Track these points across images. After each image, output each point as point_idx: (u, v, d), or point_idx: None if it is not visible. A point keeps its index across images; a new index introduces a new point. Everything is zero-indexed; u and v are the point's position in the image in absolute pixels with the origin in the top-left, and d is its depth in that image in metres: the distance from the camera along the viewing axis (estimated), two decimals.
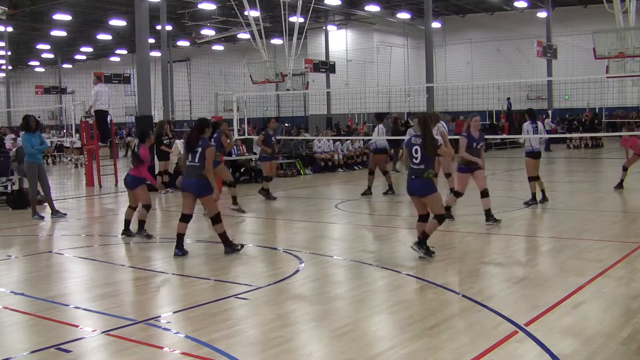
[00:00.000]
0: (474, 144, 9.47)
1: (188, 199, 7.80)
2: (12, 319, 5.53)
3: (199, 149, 7.65)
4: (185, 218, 7.80)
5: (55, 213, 11.49)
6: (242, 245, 7.97)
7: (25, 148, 11.39)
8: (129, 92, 40.89)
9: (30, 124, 11.44)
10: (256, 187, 13.87)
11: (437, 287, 6.17)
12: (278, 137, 21.12)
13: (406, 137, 15.74)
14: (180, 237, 7.82)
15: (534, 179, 11.37)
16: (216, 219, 7.76)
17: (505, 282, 6.35)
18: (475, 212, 11.14)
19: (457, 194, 9.72)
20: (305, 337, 5.04)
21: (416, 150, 7.18)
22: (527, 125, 11.59)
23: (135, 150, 9.35)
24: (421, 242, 7.17)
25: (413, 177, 7.19)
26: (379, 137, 13.72)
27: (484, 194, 9.51)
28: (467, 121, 9.76)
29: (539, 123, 12.30)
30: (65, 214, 11.62)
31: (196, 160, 7.67)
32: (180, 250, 7.81)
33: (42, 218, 11.37)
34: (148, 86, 17.11)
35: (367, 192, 13.62)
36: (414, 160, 7.19)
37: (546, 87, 35.51)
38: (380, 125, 13.90)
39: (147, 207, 9.24)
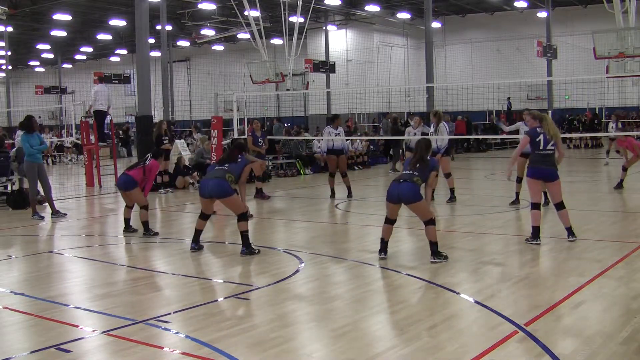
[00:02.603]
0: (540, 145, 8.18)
1: (207, 201, 7.94)
2: (12, 319, 5.53)
3: (239, 162, 8.06)
4: (204, 216, 8.05)
5: (56, 213, 11.49)
6: (259, 250, 7.93)
7: (25, 148, 11.39)
8: (129, 92, 40.87)
9: (32, 125, 11.46)
10: (254, 187, 13.85)
11: (437, 287, 6.17)
12: (278, 138, 21.22)
13: (407, 136, 15.73)
14: (197, 233, 8.09)
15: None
16: (242, 217, 7.81)
17: (505, 282, 6.35)
18: (475, 212, 11.15)
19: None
20: (305, 337, 5.04)
21: None
22: (522, 124, 11.27)
23: (147, 162, 9.40)
24: (436, 252, 7.19)
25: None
26: (332, 138, 13.28)
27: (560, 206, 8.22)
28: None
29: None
30: (65, 214, 11.62)
31: (226, 166, 7.94)
32: (197, 245, 8.10)
33: (42, 218, 11.37)
34: (148, 86, 17.12)
35: (350, 194, 13.43)
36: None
37: (546, 87, 35.49)
38: (328, 127, 13.44)
39: (145, 207, 9.28)
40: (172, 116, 37.75)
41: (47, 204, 11.86)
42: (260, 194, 13.57)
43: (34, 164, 11.40)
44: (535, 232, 8.14)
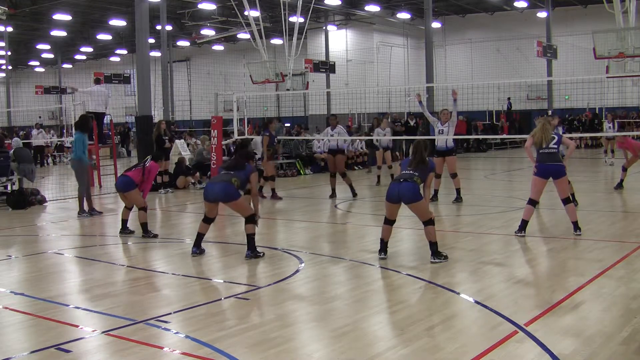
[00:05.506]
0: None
1: (212, 205, 7.82)
2: (12, 319, 5.53)
3: (245, 172, 7.85)
4: (208, 220, 7.90)
5: (87, 212, 11.53)
6: (264, 253, 7.85)
7: (79, 148, 11.46)
8: (129, 92, 40.88)
9: (89, 125, 11.80)
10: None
11: (437, 287, 6.17)
12: (278, 137, 21.22)
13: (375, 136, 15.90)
14: (200, 236, 7.93)
15: None
16: (250, 219, 7.70)
17: (505, 282, 6.35)
18: (475, 212, 11.15)
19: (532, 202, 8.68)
20: (305, 337, 5.04)
21: None
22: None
23: (147, 164, 9.34)
24: (436, 252, 7.20)
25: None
26: (338, 137, 13.50)
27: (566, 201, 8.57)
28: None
29: (559, 128, 11.48)
30: (101, 212, 11.71)
31: (232, 172, 7.80)
32: (198, 249, 7.93)
33: (99, 213, 11.53)
34: (148, 86, 17.12)
35: (333, 195, 13.48)
36: None
37: (546, 87, 35.49)
38: (328, 128, 13.80)
39: (144, 209, 9.23)
40: (172, 116, 37.73)
41: (46, 204, 11.87)
42: (273, 195, 13.69)
43: (85, 163, 11.58)
44: (523, 225, 8.59)
